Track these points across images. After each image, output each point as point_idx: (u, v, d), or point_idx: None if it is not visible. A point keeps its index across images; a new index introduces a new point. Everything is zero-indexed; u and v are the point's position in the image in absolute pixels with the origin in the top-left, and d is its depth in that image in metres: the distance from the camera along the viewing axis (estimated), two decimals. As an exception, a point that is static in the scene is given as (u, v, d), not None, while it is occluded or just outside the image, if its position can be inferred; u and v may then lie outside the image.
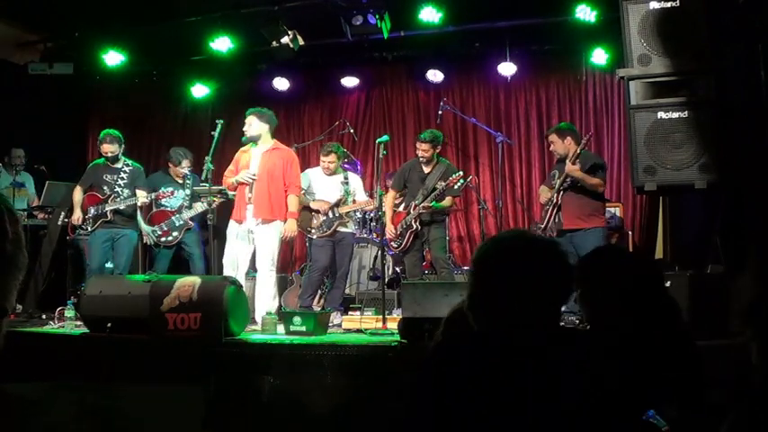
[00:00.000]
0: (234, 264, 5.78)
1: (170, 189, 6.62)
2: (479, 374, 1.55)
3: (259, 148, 5.90)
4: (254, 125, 5.86)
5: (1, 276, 1.16)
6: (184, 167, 6.96)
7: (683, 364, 2.22)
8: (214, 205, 6.00)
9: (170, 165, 7.06)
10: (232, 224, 5.83)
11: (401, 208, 6.48)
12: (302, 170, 6.94)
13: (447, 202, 6.25)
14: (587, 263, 2.44)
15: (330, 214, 6.28)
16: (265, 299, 5.73)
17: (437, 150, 6.36)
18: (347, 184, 6.42)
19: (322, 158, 6.43)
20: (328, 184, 6.43)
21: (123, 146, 6.65)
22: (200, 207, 6.71)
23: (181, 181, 6.97)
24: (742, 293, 4.27)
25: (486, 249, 1.71)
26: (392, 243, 6.45)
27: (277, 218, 5.77)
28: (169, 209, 6.82)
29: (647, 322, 2.22)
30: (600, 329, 2.37)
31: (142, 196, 6.50)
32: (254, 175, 5.76)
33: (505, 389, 1.52)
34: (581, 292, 2.38)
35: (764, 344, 1.89)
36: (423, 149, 6.29)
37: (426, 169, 6.38)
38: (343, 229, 6.32)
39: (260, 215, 5.75)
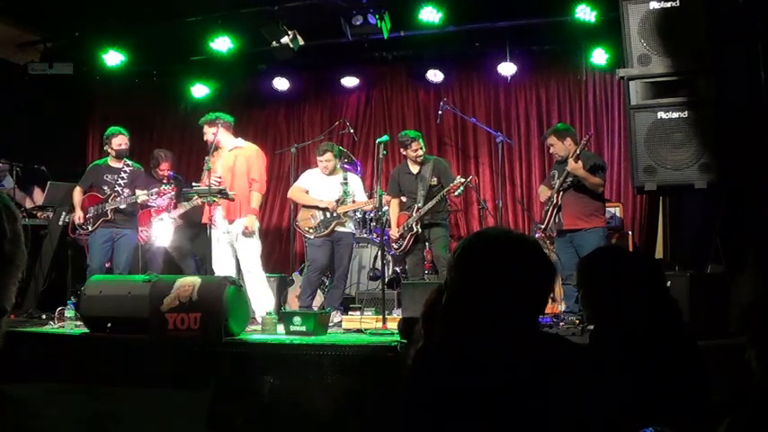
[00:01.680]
0: (222, 266, 5.82)
1: (168, 187, 6.64)
2: (471, 385, 1.53)
3: (223, 150, 6.01)
4: (207, 134, 5.97)
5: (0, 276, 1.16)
6: (163, 170, 6.99)
7: (685, 363, 2.22)
8: (214, 205, 6.00)
9: (151, 165, 7.14)
10: (209, 228, 5.86)
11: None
12: (303, 170, 6.97)
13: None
14: (589, 263, 2.45)
15: (328, 214, 6.28)
16: (260, 298, 5.74)
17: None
18: (346, 184, 6.42)
19: (318, 159, 6.44)
20: (327, 184, 6.42)
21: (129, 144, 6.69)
22: (186, 206, 6.75)
23: (165, 182, 7.00)
24: (742, 294, 4.28)
25: (470, 245, 1.68)
26: (393, 244, 6.46)
27: (243, 216, 5.83)
28: (156, 209, 6.85)
29: (648, 322, 2.22)
30: (602, 329, 2.38)
31: (142, 195, 6.50)
32: (218, 177, 5.82)
33: (497, 398, 1.52)
34: (583, 293, 2.39)
35: (762, 348, 1.89)
36: (416, 148, 6.31)
37: (414, 169, 6.40)
38: (341, 229, 6.32)
39: (227, 215, 5.83)
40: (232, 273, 5.81)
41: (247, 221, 5.82)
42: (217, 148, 5.99)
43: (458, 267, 1.67)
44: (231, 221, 5.86)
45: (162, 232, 6.77)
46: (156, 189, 6.57)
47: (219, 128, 5.94)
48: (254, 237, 5.89)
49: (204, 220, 5.90)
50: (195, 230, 6.98)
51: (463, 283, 1.65)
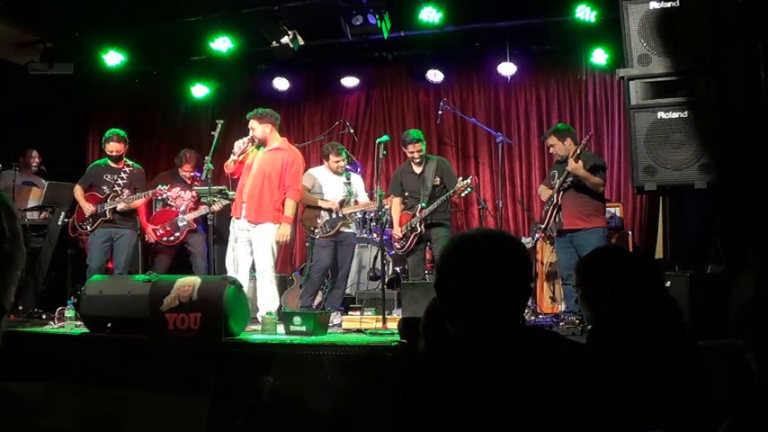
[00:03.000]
0: (235, 263, 5.76)
1: (167, 186, 6.62)
2: (468, 386, 1.54)
3: (265, 148, 5.80)
4: (258, 129, 5.71)
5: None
6: (186, 170, 7.00)
7: (685, 363, 2.22)
8: (214, 206, 5.99)
9: (175, 164, 7.16)
10: (232, 222, 5.79)
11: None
12: (305, 170, 6.96)
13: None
14: (588, 263, 2.45)
15: (333, 215, 6.28)
16: (265, 299, 5.72)
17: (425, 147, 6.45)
18: (350, 184, 6.43)
19: (335, 158, 6.36)
20: (332, 183, 6.42)
21: (127, 146, 6.67)
22: (204, 209, 6.74)
23: (189, 182, 7.02)
24: (742, 294, 4.28)
25: (448, 250, 1.70)
26: (396, 244, 6.46)
27: (267, 220, 5.59)
28: (173, 209, 6.85)
29: (648, 322, 2.22)
30: (601, 329, 2.38)
31: (141, 197, 6.52)
32: (235, 153, 5.67)
33: (493, 399, 1.52)
34: (582, 293, 2.39)
35: (760, 351, 1.89)
36: (417, 149, 6.32)
37: (417, 169, 6.40)
38: (345, 230, 6.32)
39: (249, 216, 5.64)
40: (243, 269, 5.70)
41: (282, 230, 5.60)
42: (262, 145, 5.78)
43: (442, 271, 1.70)
44: (255, 223, 5.63)
45: (176, 233, 6.77)
46: (152, 190, 6.56)
47: (269, 125, 5.74)
48: (269, 241, 5.66)
49: (234, 213, 5.76)
50: (216, 235, 6.97)
51: (449, 285, 1.67)
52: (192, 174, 7.05)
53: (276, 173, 5.66)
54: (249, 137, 5.76)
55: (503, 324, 1.62)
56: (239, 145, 5.76)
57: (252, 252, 5.72)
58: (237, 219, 5.75)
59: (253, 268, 5.86)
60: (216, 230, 6.67)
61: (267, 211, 5.62)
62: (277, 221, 5.62)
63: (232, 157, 5.77)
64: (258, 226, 5.62)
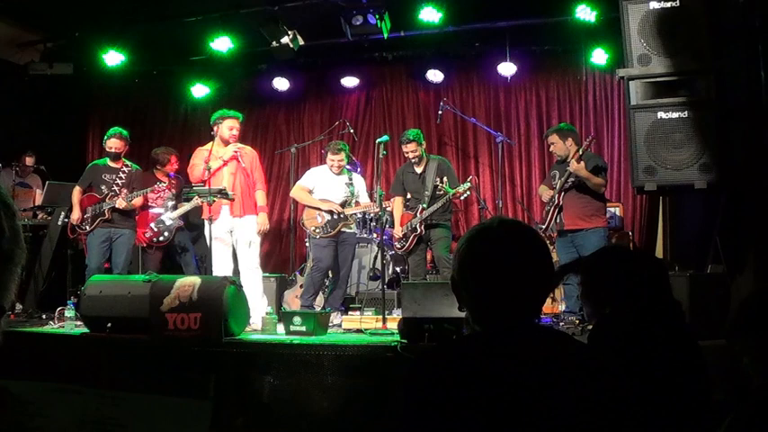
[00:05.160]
0: (222, 265, 5.80)
1: (165, 184, 6.63)
2: (477, 386, 1.52)
3: (228, 148, 5.93)
4: (240, 129, 6.03)
5: (-1, 275, 1.15)
6: (171, 168, 7.01)
7: (685, 363, 2.21)
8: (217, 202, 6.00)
9: (158, 166, 7.08)
10: (206, 225, 5.80)
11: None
12: (303, 170, 6.96)
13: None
14: (591, 262, 2.45)
15: (335, 215, 6.26)
16: (259, 298, 5.74)
17: (423, 147, 6.42)
18: (352, 184, 6.41)
19: (331, 156, 6.33)
20: (334, 183, 6.39)
21: (128, 147, 6.67)
22: (187, 206, 6.74)
23: (166, 181, 7.00)
24: (742, 294, 4.28)
25: (471, 239, 1.62)
26: (396, 244, 6.46)
27: (251, 212, 5.94)
28: (157, 209, 6.84)
29: (650, 322, 2.22)
30: (602, 329, 2.37)
31: (140, 195, 6.52)
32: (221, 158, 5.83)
33: (504, 399, 1.51)
34: (584, 292, 2.39)
35: (756, 355, 1.89)
36: (411, 149, 6.33)
37: (419, 169, 6.41)
38: (346, 230, 6.32)
39: (235, 212, 5.87)
40: (230, 272, 5.78)
41: (262, 219, 5.95)
42: (227, 144, 5.94)
43: (461, 263, 1.62)
44: (239, 217, 5.86)
45: (165, 233, 6.76)
46: (150, 188, 6.56)
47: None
48: (256, 232, 5.93)
49: (204, 215, 5.81)
50: (197, 231, 6.99)
51: (467, 278, 1.61)
52: (169, 172, 7.06)
53: (248, 168, 5.99)
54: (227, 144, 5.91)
55: (520, 320, 1.57)
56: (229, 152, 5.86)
57: (233, 251, 5.87)
58: (215, 220, 5.75)
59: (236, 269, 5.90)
60: (196, 227, 6.71)
61: (249, 205, 5.94)
62: (256, 213, 5.96)
63: (213, 164, 5.83)
64: (244, 218, 5.88)
